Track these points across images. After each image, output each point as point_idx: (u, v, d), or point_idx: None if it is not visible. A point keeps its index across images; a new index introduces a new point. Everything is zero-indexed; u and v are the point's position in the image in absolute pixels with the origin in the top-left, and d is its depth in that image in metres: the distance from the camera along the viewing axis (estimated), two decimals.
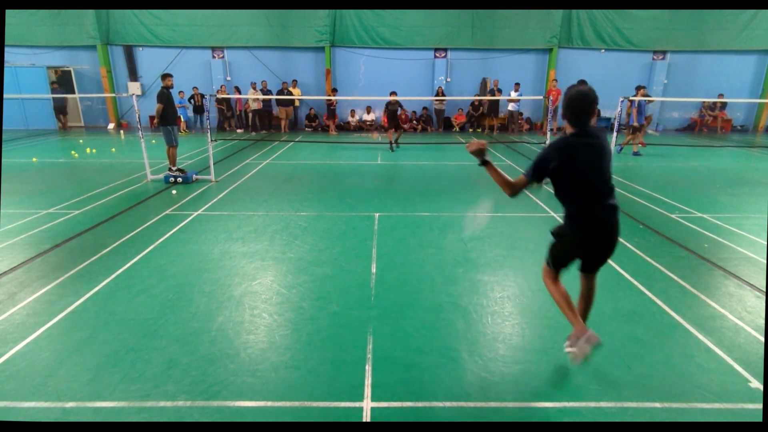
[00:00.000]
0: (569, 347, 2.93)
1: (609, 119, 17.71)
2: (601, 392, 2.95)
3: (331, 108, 16.88)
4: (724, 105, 17.88)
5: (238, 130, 17.37)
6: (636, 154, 12.61)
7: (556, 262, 3.09)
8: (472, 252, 5.31)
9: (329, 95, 15.65)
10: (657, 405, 2.84)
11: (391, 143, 13.22)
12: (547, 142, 8.99)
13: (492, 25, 17.26)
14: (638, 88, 12.12)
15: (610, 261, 4.96)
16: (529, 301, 4.17)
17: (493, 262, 5.05)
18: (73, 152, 12.15)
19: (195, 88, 16.75)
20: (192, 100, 16.85)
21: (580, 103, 2.70)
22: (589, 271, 3.18)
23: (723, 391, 2.96)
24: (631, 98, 11.28)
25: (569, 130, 2.80)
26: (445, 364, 3.23)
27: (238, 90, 17.37)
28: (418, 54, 17.80)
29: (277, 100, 16.79)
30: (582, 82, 8.36)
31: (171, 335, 3.57)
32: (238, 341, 3.50)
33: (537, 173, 2.85)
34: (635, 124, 12.21)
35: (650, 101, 12.63)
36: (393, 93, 12.87)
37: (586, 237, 2.92)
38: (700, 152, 12.81)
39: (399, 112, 13.68)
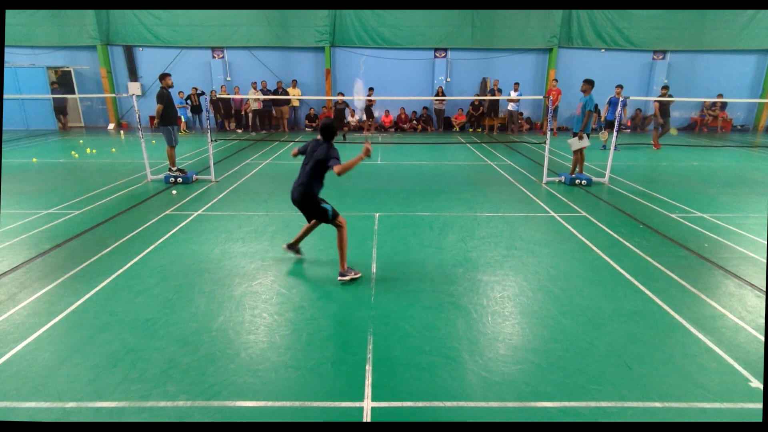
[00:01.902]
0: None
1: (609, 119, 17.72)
2: (601, 392, 2.95)
3: (370, 108, 16.82)
4: (724, 105, 17.89)
5: (238, 131, 17.37)
6: (604, 148, 13.01)
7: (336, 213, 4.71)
8: (472, 252, 5.31)
9: (369, 95, 15.65)
10: (657, 405, 2.85)
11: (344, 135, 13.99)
12: (547, 142, 9.00)
13: (492, 25, 17.26)
14: (618, 86, 12.76)
15: (609, 260, 5.02)
16: (529, 301, 4.17)
17: (493, 262, 5.05)
18: (73, 152, 12.16)
19: (194, 88, 16.73)
20: (189, 100, 16.84)
21: (324, 128, 4.57)
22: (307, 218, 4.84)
23: (723, 391, 2.96)
24: (657, 99, 11.60)
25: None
26: (445, 364, 3.23)
27: (236, 90, 17.39)
28: (418, 54, 17.81)
29: (272, 100, 16.78)
30: (588, 81, 8.42)
31: (171, 335, 3.57)
32: (238, 341, 3.51)
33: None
34: (602, 120, 12.82)
35: (672, 101, 12.83)
36: (340, 93, 13.22)
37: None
38: (700, 152, 12.81)
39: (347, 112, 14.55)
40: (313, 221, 4.86)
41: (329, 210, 4.55)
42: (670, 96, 13.51)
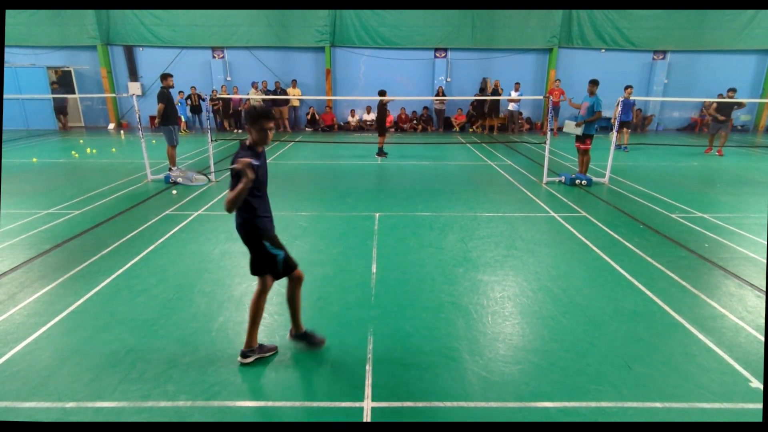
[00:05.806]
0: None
1: (608, 119, 17.71)
2: (601, 392, 2.95)
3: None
4: None
5: (236, 131, 17.35)
6: (624, 149, 12.95)
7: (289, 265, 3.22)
8: (472, 252, 5.31)
9: (481, 94, 14.41)
10: (658, 405, 2.84)
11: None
12: (547, 142, 8.98)
13: (492, 25, 17.26)
14: (626, 87, 12.51)
15: (609, 260, 5.02)
16: (529, 300, 4.17)
17: (493, 262, 5.05)
18: (73, 152, 12.16)
19: (193, 87, 16.75)
20: (189, 100, 16.84)
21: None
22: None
23: (723, 391, 2.96)
24: (718, 100, 11.10)
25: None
26: (445, 364, 3.23)
27: (235, 90, 17.41)
28: (418, 54, 17.80)
29: (272, 100, 16.81)
30: (594, 81, 8.43)
31: (171, 335, 3.57)
32: (238, 341, 3.50)
33: None
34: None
35: (736, 103, 11.98)
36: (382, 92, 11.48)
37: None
38: (700, 152, 12.81)
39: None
40: (288, 286, 3.30)
41: (280, 258, 3.11)
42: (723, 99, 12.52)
